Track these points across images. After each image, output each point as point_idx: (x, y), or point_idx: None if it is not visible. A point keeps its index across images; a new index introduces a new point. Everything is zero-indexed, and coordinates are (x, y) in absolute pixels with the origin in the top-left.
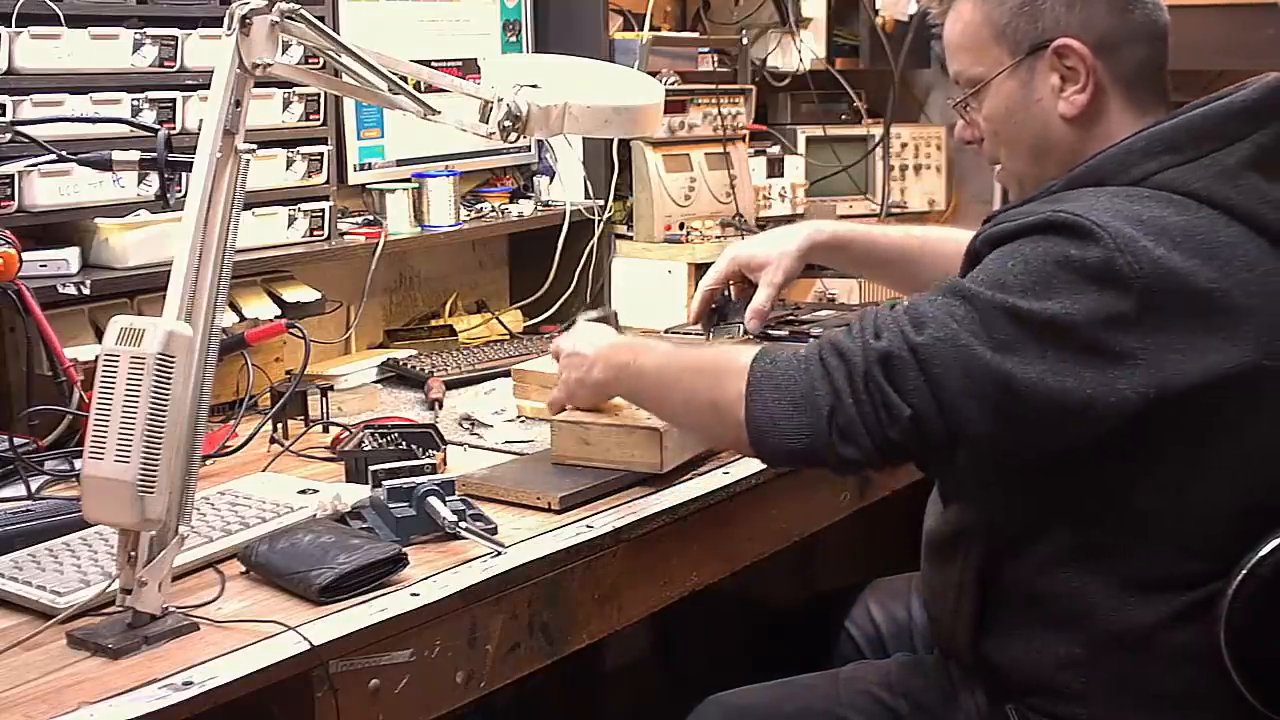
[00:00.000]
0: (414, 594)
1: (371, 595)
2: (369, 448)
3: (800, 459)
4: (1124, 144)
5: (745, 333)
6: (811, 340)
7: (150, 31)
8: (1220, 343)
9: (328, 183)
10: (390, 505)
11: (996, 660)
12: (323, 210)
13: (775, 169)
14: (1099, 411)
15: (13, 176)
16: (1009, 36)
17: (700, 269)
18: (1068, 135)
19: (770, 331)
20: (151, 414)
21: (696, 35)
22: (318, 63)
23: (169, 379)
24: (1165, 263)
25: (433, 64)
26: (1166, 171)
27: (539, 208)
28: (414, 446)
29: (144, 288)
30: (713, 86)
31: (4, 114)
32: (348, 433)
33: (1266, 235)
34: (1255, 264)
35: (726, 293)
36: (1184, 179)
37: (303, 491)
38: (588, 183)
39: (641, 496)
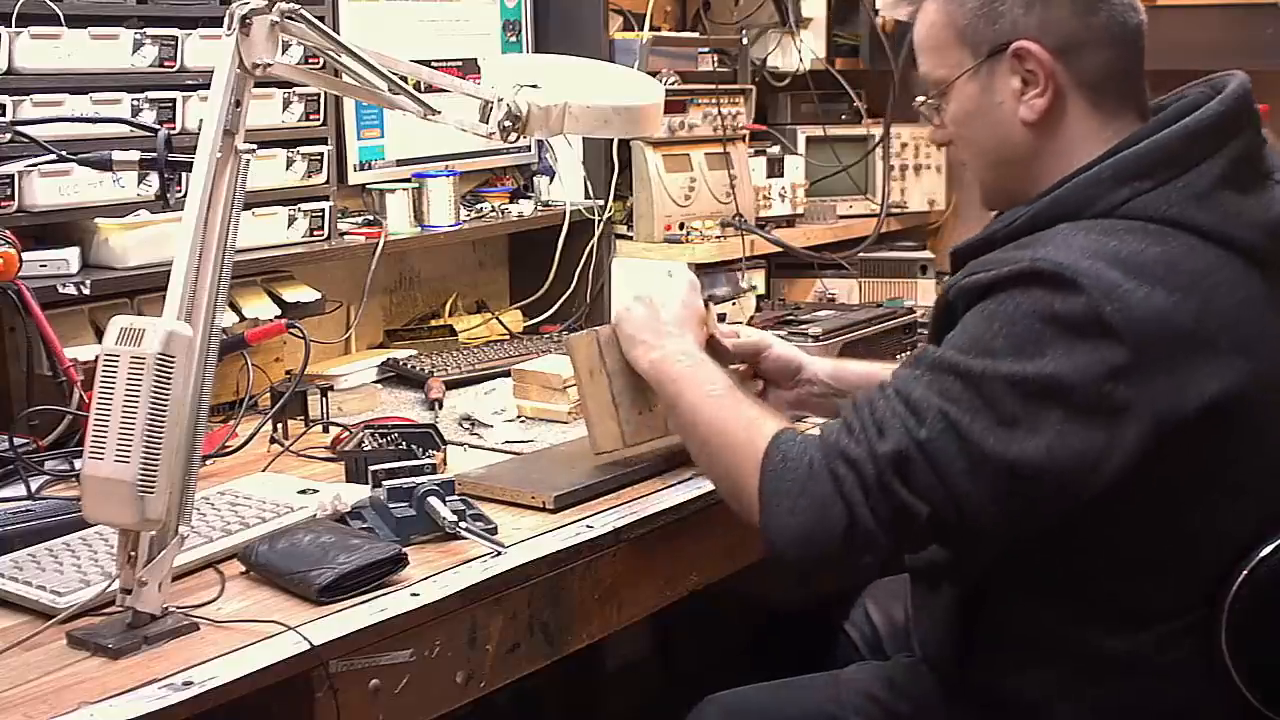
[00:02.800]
0: (414, 594)
1: (371, 595)
2: (369, 448)
3: (817, 569)
4: (1092, 172)
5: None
6: (819, 435)
7: (150, 31)
8: (1206, 377)
9: (328, 183)
10: (390, 505)
11: (986, 685)
12: (323, 210)
13: (775, 169)
14: (1108, 467)
15: (13, 176)
16: (970, 39)
17: (700, 269)
18: (1029, 140)
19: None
20: (151, 414)
21: (696, 35)
22: (318, 63)
23: (169, 379)
24: (1149, 303)
25: (433, 64)
26: (1138, 199)
27: (539, 208)
28: (414, 446)
29: (144, 288)
30: (713, 86)
31: (4, 114)
32: (348, 433)
33: (1243, 255)
34: (1235, 289)
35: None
36: (1156, 205)
37: (303, 491)
38: (588, 183)
39: (641, 496)
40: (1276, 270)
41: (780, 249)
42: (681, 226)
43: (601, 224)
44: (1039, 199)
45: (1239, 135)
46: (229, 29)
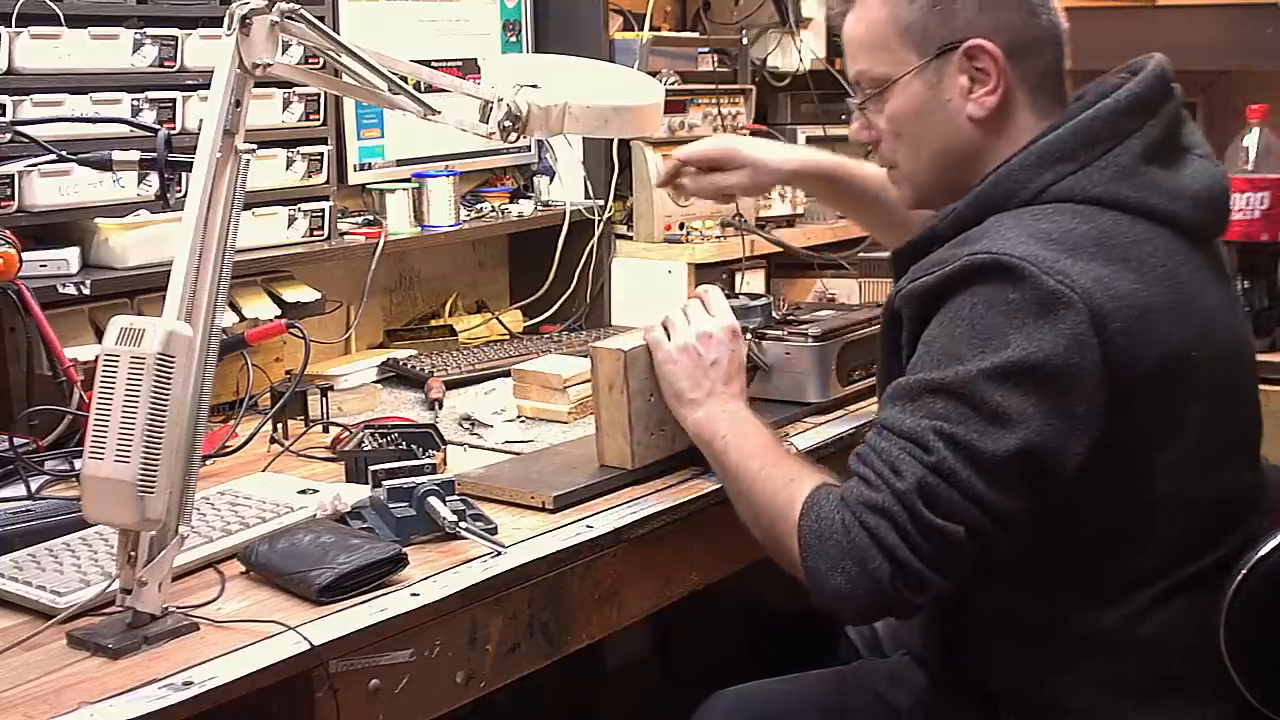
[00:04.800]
0: (414, 594)
1: (371, 595)
2: (369, 448)
3: (876, 619)
4: (1016, 160)
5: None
6: (842, 495)
7: (150, 31)
8: (1154, 340)
9: (328, 183)
10: (390, 505)
11: (972, 674)
12: (323, 210)
13: None
14: (1092, 432)
15: (13, 176)
16: (916, 36)
17: (700, 269)
18: (973, 137)
19: (767, 331)
20: (151, 414)
21: (696, 35)
22: (318, 63)
23: (169, 379)
24: (1090, 273)
25: (433, 64)
26: (1063, 181)
27: (539, 208)
28: (414, 446)
29: (144, 288)
30: (713, 86)
31: (4, 114)
32: (348, 433)
33: (1170, 226)
34: (1166, 258)
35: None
36: (1082, 186)
37: (303, 491)
38: (588, 183)
39: (641, 496)
40: (1202, 240)
41: (780, 249)
42: (681, 226)
43: (601, 224)
44: (971, 186)
45: (1158, 114)
46: (229, 29)
